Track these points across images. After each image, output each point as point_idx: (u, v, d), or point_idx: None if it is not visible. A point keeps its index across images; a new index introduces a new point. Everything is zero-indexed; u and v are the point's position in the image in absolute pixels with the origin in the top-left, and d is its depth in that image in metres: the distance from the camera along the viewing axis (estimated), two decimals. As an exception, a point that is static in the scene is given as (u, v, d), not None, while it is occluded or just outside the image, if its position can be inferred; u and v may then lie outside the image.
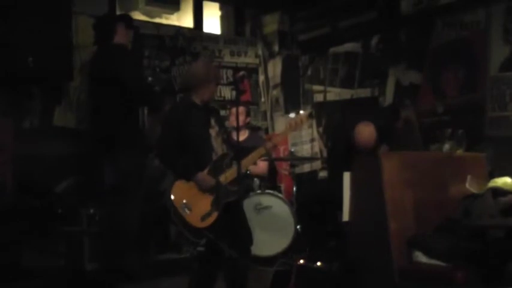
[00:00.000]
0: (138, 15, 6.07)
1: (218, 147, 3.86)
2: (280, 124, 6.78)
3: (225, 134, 3.94)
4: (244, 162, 3.89)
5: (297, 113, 6.25)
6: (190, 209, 3.72)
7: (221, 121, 4.02)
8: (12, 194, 4.92)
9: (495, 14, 4.92)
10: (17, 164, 5.00)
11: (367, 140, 4.78)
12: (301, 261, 4.08)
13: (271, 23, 6.87)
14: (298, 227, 5.25)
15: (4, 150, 4.95)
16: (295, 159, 5.79)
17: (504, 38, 4.84)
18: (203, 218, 3.71)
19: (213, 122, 3.90)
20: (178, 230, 3.98)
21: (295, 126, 4.19)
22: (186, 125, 3.80)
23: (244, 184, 4.01)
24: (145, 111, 4.56)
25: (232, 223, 3.78)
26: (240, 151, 3.81)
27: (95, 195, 4.94)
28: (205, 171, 3.78)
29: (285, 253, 5.02)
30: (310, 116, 4.28)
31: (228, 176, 3.78)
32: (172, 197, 3.75)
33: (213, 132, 3.86)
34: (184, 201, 3.73)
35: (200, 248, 4.98)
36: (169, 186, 3.79)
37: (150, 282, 4.71)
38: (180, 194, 3.75)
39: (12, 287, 4.43)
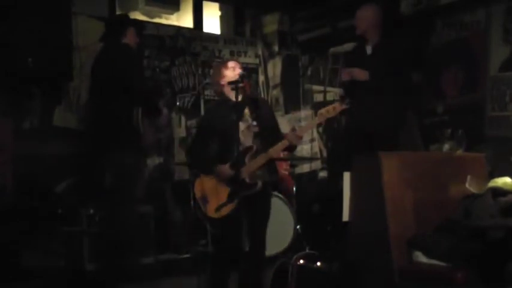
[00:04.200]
0: (138, 15, 6.07)
1: (246, 140, 3.92)
2: (280, 124, 6.76)
3: (259, 127, 3.96)
4: (266, 154, 3.92)
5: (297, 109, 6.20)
6: (207, 200, 3.95)
7: (260, 114, 4.01)
8: (12, 194, 4.92)
9: (495, 14, 4.92)
10: (17, 164, 5.00)
11: (363, 18, 4.75)
12: (301, 261, 4.08)
13: (271, 23, 6.87)
14: (298, 227, 5.25)
15: (4, 150, 4.95)
16: (295, 159, 5.79)
17: (504, 38, 4.84)
18: (217, 209, 3.88)
19: (247, 114, 3.96)
20: (200, 219, 4.25)
21: (327, 115, 3.84)
22: (214, 122, 4.01)
23: (269, 179, 4.01)
24: (140, 113, 4.54)
25: (250, 218, 3.90)
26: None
27: (95, 195, 4.94)
28: (228, 164, 3.89)
29: (285, 253, 5.01)
30: (342, 101, 3.89)
31: (248, 169, 3.87)
32: (194, 190, 4.04)
33: (243, 125, 3.92)
34: (203, 193, 3.98)
35: (200, 248, 5.00)
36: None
37: (150, 282, 4.71)
38: (200, 187, 4.01)
39: (12, 287, 4.43)
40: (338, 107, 3.81)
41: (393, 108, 4.62)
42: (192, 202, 4.18)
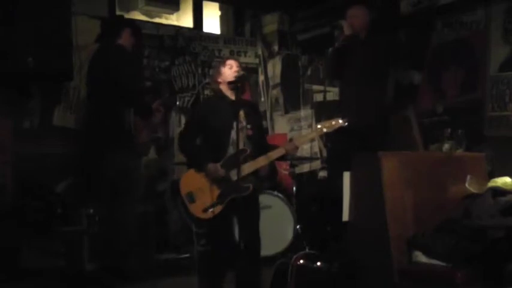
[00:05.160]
0: (137, 15, 6.08)
1: (240, 142, 3.84)
2: (280, 124, 6.79)
3: (252, 131, 3.94)
4: (260, 160, 3.91)
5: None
6: (194, 199, 3.82)
7: (253, 118, 4.01)
8: (12, 194, 4.92)
9: (495, 14, 4.92)
10: (17, 164, 5.00)
11: (356, 17, 4.73)
12: (301, 261, 4.08)
13: (271, 23, 6.87)
14: (298, 227, 5.25)
15: (4, 151, 4.95)
16: (295, 159, 5.79)
17: (504, 38, 4.84)
18: (205, 210, 3.78)
19: (242, 116, 3.90)
20: (182, 217, 4.08)
21: (325, 129, 3.98)
22: (209, 115, 3.91)
23: (260, 182, 4.00)
24: (131, 113, 4.55)
25: (241, 218, 3.84)
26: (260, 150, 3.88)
27: (95, 195, 4.94)
28: (219, 163, 3.83)
29: (285, 253, 5.01)
30: (342, 118, 3.98)
31: (243, 171, 3.80)
32: (180, 185, 3.87)
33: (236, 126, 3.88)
34: (190, 190, 3.83)
35: (200, 248, 5.00)
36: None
37: (149, 282, 4.71)
38: (187, 183, 3.87)
39: (12, 287, 4.43)
40: (337, 123, 3.93)
41: (375, 106, 4.61)
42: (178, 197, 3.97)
